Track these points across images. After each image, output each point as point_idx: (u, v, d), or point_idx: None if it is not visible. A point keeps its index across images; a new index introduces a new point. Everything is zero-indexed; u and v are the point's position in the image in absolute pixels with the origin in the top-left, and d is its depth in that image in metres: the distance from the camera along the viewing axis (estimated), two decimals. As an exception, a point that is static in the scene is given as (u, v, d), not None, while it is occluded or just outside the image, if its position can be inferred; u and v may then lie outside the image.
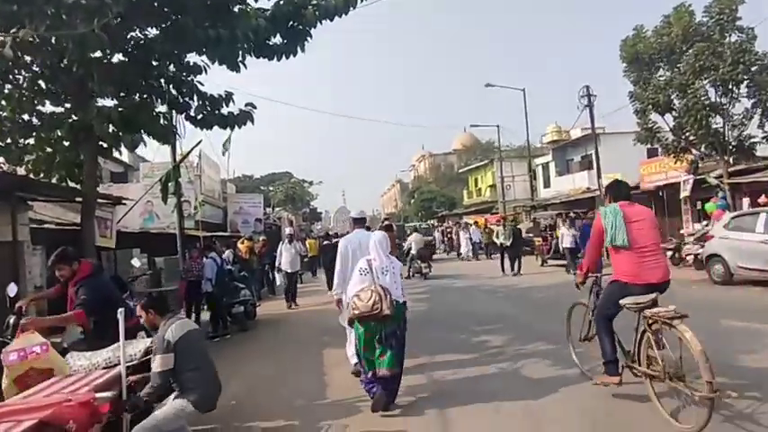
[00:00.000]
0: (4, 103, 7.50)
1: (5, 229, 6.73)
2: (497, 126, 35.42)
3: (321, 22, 8.03)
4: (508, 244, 16.56)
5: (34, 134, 7.85)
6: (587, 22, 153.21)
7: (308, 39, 8.10)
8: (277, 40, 8.04)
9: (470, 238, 24.84)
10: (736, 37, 14.33)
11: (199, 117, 8.27)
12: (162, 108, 8.36)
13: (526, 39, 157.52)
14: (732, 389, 3.99)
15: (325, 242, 16.88)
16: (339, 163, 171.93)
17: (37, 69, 7.29)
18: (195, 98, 8.16)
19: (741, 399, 4.22)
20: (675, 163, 16.84)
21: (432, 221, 39.34)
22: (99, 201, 8.67)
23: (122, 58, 7.60)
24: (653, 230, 4.38)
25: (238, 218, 22.89)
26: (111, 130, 7.25)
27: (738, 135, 15.01)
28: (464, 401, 4.82)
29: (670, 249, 16.15)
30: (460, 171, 51.53)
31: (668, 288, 4.37)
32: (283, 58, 8.13)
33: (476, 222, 27.54)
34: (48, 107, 7.77)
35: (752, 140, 15.14)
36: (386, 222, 14.67)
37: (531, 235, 22.18)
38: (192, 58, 8.13)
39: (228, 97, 8.26)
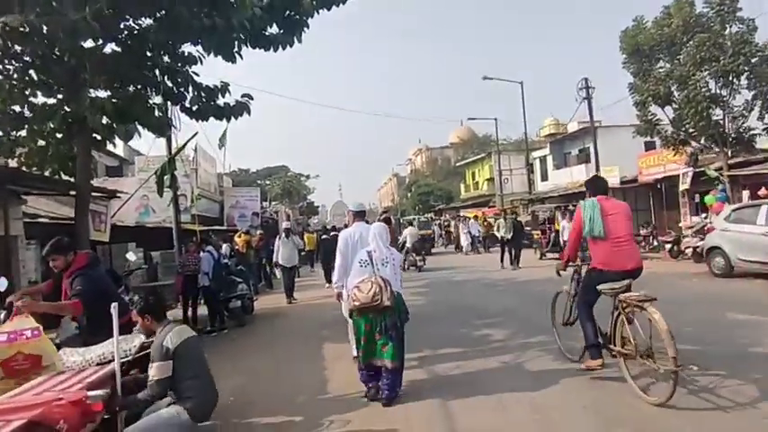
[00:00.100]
0: (-6, 94, 7.33)
1: (-3, 222, 6.60)
2: (495, 119, 35.24)
3: (318, 12, 7.91)
4: (509, 237, 16.49)
5: (26, 126, 7.68)
6: (586, 16, 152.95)
7: (305, 29, 7.97)
8: (273, 30, 7.90)
9: (470, 232, 24.73)
10: (737, 28, 14.24)
11: (194, 108, 8.13)
12: (157, 99, 8.22)
13: (523, 32, 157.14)
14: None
15: (324, 236, 16.78)
16: (335, 157, 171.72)
17: (28, 59, 7.11)
18: (190, 89, 8.02)
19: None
20: (675, 155, 16.77)
21: (429, 215, 39.25)
22: (93, 194, 8.54)
23: (116, 48, 7.44)
24: (627, 222, 4.80)
25: (235, 212, 22.78)
26: (104, 122, 7.10)
27: (738, 127, 14.95)
28: (467, 396, 4.73)
29: (669, 242, 16.13)
30: (458, 164, 51.45)
31: (642, 274, 4.82)
32: (280, 48, 7.99)
33: (475, 216, 27.43)
34: (40, 98, 7.59)
35: (752, 132, 15.08)
36: (384, 215, 14.58)
37: (529, 228, 22.12)
38: (187, 48, 8.01)
39: (224, 88, 8.12)
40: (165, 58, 7.88)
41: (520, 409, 4.37)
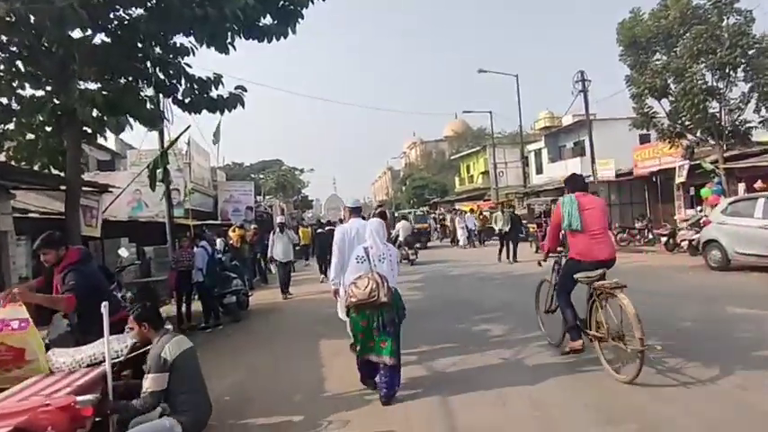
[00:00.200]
0: (-20, 86, 7.14)
1: (-15, 218, 6.43)
2: (490, 112, 35.12)
3: (313, 2, 7.75)
4: (507, 230, 16.43)
5: (14, 119, 7.49)
6: (583, 9, 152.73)
7: (300, 20, 7.81)
8: (267, 20, 7.74)
9: (466, 226, 24.63)
10: (734, 19, 14.17)
11: (187, 101, 7.96)
12: (148, 92, 8.04)
13: (520, 24, 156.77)
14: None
15: (319, 230, 16.65)
16: (330, 150, 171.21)
17: (15, 50, 6.92)
18: (183, 81, 7.84)
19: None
20: (671, 148, 16.74)
21: (424, 208, 39.17)
22: (84, 189, 8.37)
23: (105, 39, 7.25)
24: (602, 217, 5.17)
25: (229, 206, 22.61)
26: (94, 115, 6.92)
27: (734, 120, 14.91)
28: (467, 393, 4.65)
29: (665, 235, 16.10)
30: (452, 158, 51.35)
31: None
32: (274, 39, 7.82)
33: (471, 210, 27.34)
34: (28, 90, 7.40)
35: (748, 125, 15.05)
36: (380, 209, 14.45)
37: (525, 222, 22.09)
38: (179, 39, 7.82)
39: (217, 80, 7.94)
40: (157, 50, 7.69)
41: (520, 405, 4.29)
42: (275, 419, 4.47)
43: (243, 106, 8.08)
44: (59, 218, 8.21)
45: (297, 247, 14.56)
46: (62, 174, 7.77)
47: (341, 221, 8.92)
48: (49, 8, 5.49)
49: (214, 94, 8.02)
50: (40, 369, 3.70)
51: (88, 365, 3.46)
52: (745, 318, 6.85)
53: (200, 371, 3.69)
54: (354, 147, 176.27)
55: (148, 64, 7.69)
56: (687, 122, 15.38)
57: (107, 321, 3.30)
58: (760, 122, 14.71)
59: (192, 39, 7.66)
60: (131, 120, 7.54)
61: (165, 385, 3.27)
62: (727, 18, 14.27)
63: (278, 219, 14.20)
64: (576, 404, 4.22)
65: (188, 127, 10.40)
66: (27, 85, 7.36)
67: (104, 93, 6.96)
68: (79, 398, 2.67)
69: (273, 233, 12.29)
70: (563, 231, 5.35)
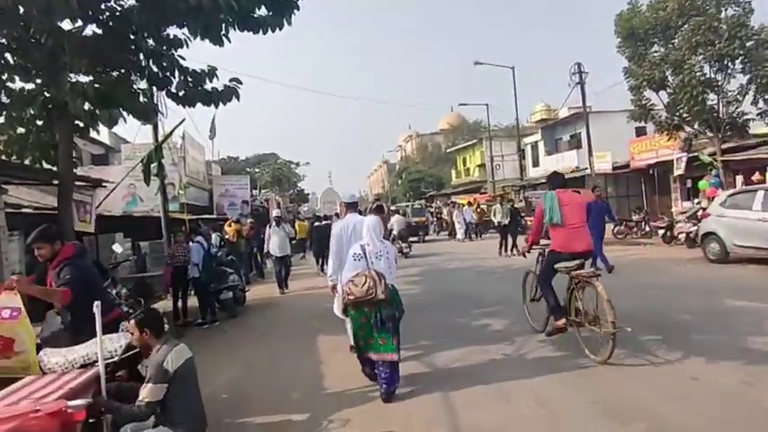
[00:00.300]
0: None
1: (-24, 213, 6.30)
2: (486, 105, 34.97)
3: (309, -8, 7.61)
4: (506, 223, 16.36)
5: (4, 113, 7.33)
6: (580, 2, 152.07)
7: (295, 11, 7.65)
8: (262, 11, 7.58)
9: (464, 219, 24.54)
10: (733, 11, 14.10)
11: (181, 93, 7.80)
12: (142, 84, 7.88)
13: (516, 16, 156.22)
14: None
15: (316, 224, 16.54)
16: (325, 144, 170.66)
17: (3, 41, 6.76)
18: (176, 73, 7.68)
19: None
20: (669, 140, 16.69)
21: (421, 202, 39.06)
22: (77, 183, 8.22)
23: (97, 30, 7.09)
24: (580, 212, 5.57)
25: (225, 200, 22.46)
26: (86, 108, 6.77)
27: (732, 112, 14.87)
28: (469, 390, 4.60)
29: (662, 228, 16.08)
30: (448, 151, 51.25)
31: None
32: (269, 31, 7.67)
33: (469, 202, 27.25)
34: (18, 83, 7.23)
35: (745, 117, 15.01)
36: (377, 203, 14.37)
37: (523, 215, 22.03)
38: (173, 30, 7.66)
39: (212, 72, 7.78)
40: (150, 41, 7.53)
41: (523, 402, 4.23)
42: (274, 418, 4.39)
43: (238, 99, 7.94)
44: (52, 213, 8.08)
45: (293, 241, 14.45)
46: (54, 168, 7.62)
47: (337, 216, 8.84)
48: (37, -2, 5.34)
49: (208, 86, 7.86)
50: (28, 362, 3.63)
51: (81, 366, 3.36)
52: (744, 311, 6.82)
53: (198, 382, 3.59)
54: (350, 140, 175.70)
55: (141, 56, 7.52)
56: (685, 114, 15.32)
57: (99, 321, 3.20)
58: (758, 114, 14.67)
59: (185, 30, 7.48)
60: (124, 113, 7.39)
61: (161, 396, 3.17)
62: (726, 9, 14.20)
63: (274, 212, 14.09)
64: (580, 401, 4.16)
65: (182, 120, 10.22)
66: (17, 78, 7.20)
67: (96, 85, 6.80)
68: (71, 402, 2.57)
69: (270, 227, 12.16)
70: (545, 225, 5.74)
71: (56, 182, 7.58)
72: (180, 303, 9.45)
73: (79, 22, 6.94)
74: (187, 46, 7.65)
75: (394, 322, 4.64)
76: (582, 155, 25.74)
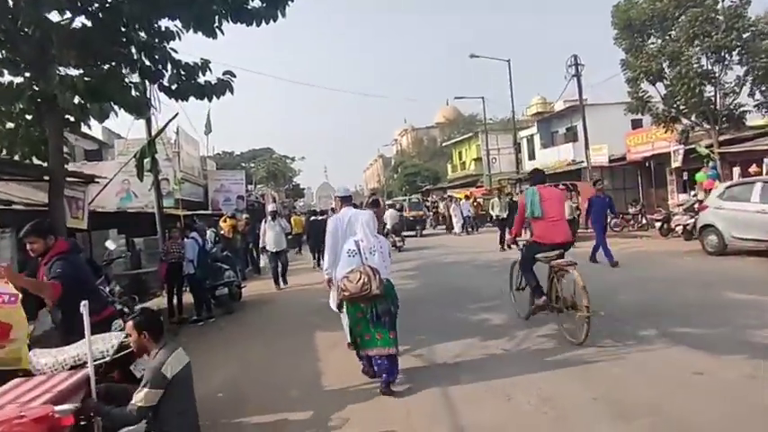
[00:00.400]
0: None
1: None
2: (482, 98, 34.80)
3: (304, -16, 7.48)
4: (504, 216, 16.29)
5: (-8, 107, 7.18)
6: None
7: (289, 2, 7.52)
8: (256, 3, 7.45)
9: (461, 213, 24.43)
10: (730, 2, 14.01)
11: (173, 87, 7.66)
12: (134, 78, 7.73)
13: (512, 9, 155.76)
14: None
15: (312, 218, 16.42)
16: (321, 138, 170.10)
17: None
18: (169, 66, 7.53)
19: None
20: (666, 132, 16.63)
21: (417, 196, 38.95)
22: (69, 179, 8.08)
23: (86, 22, 6.93)
24: (560, 206, 6.10)
25: (220, 195, 22.28)
26: (76, 102, 6.63)
27: (730, 104, 14.81)
28: (470, 387, 4.52)
29: (659, 220, 16.05)
30: (444, 144, 51.09)
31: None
32: (263, 23, 7.54)
33: (466, 196, 27.15)
34: (6, 77, 7.08)
35: (742, 109, 14.96)
36: (373, 197, 14.26)
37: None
38: (165, 23, 7.51)
39: (205, 65, 7.64)
40: (141, 34, 7.39)
41: (525, 399, 4.15)
42: (271, 417, 4.30)
43: (232, 92, 7.80)
44: (44, 209, 7.94)
45: (289, 236, 14.32)
46: (45, 164, 7.48)
47: (333, 210, 8.70)
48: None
49: (202, 80, 7.72)
50: (19, 354, 3.56)
51: (72, 367, 3.25)
52: (745, 304, 6.78)
53: (193, 386, 3.49)
54: (345, 134, 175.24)
55: (132, 49, 7.37)
56: (682, 107, 15.25)
57: (88, 321, 3.08)
58: (755, 106, 14.62)
59: (177, 22, 7.36)
60: (116, 107, 7.25)
61: (156, 401, 3.07)
62: (723, 0, 14.11)
63: (270, 207, 13.95)
64: (583, 397, 4.08)
65: (176, 115, 10.07)
66: (5, 71, 7.04)
67: (86, 78, 6.65)
68: (57, 408, 2.47)
69: (265, 222, 12.02)
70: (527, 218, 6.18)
71: (46, 178, 7.44)
72: (175, 300, 9.34)
73: (68, 14, 6.79)
74: (179, 38, 7.51)
75: (390, 317, 4.66)
76: (578, 148, 25.66)
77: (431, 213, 31.12)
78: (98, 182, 9.86)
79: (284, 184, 54.94)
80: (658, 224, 16.01)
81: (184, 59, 7.68)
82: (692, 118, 15.57)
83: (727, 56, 14.15)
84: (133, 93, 7.61)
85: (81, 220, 8.78)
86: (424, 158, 55.68)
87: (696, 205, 13.66)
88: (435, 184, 47.50)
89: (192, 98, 7.84)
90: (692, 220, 13.24)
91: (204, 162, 25.07)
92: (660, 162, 20.52)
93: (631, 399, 3.98)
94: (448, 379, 4.76)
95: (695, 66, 14.27)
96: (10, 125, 7.39)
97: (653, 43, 15.45)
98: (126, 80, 7.54)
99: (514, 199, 18.91)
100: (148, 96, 8.25)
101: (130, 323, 3.32)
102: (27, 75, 6.94)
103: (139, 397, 3.03)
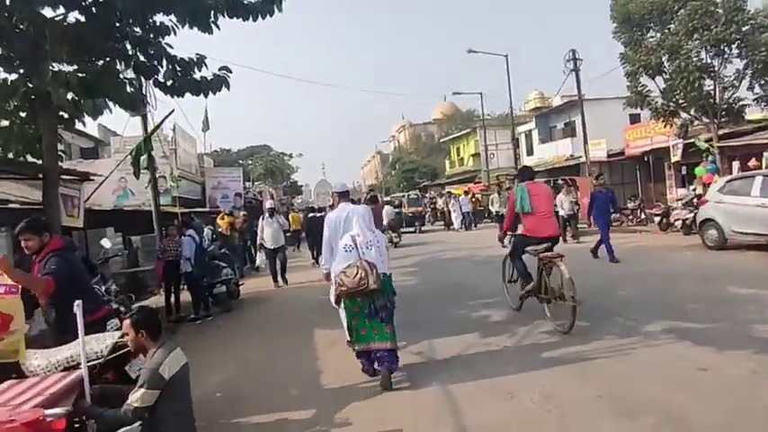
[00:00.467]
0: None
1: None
2: (480, 93, 34.66)
3: (300, -23, 7.37)
4: (504, 212, 16.22)
5: (-14, 105, 7.07)
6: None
7: (285, -4, 7.41)
8: (252, -3, 7.34)
9: (461, 209, 24.35)
10: (730, -6, 13.91)
11: (169, 83, 7.56)
12: (128, 73, 7.63)
13: (510, 6, 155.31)
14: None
15: (311, 215, 16.33)
16: (318, 135, 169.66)
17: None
18: (164, 62, 7.43)
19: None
20: (665, 127, 16.56)
21: (417, 192, 38.88)
22: (64, 177, 7.99)
23: (79, 17, 6.83)
24: (548, 201, 6.40)
25: (217, 193, 22.19)
26: (70, 98, 6.53)
27: (729, 98, 14.75)
28: (473, 385, 4.45)
29: (658, 215, 16.01)
30: (442, 140, 50.98)
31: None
32: (259, 18, 7.44)
33: (465, 192, 27.08)
34: (0, 74, 6.98)
35: (741, 103, 14.90)
36: (371, 194, 14.21)
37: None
38: (160, 18, 7.40)
39: (200, 61, 7.53)
40: (136, 29, 7.28)
41: (528, 397, 4.08)
42: (270, 417, 4.24)
43: (228, 88, 7.70)
44: (40, 208, 7.86)
45: (287, 233, 14.22)
46: (39, 162, 7.38)
47: (331, 207, 8.63)
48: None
49: (197, 75, 7.63)
50: (17, 345, 3.53)
51: (65, 369, 3.17)
52: (747, 298, 6.74)
53: (190, 386, 3.42)
54: (343, 131, 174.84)
55: (127, 44, 7.27)
56: (681, 101, 15.18)
57: (81, 321, 3.01)
58: (754, 100, 14.56)
59: (172, 17, 7.25)
60: (110, 103, 7.15)
61: (153, 402, 3.00)
62: (723, -8, 14.01)
63: (267, 203, 13.85)
64: (586, 394, 4.02)
65: (171, 111, 9.97)
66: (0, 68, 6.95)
67: (80, 75, 6.55)
68: (48, 411, 2.40)
69: (263, 219, 11.92)
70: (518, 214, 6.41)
71: (41, 176, 7.35)
72: (172, 299, 9.26)
73: (61, 9, 6.69)
74: (175, 33, 7.41)
75: (387, 311, 4.68)
76: (576, 143, 25.62)
77: (429, 210, 31.06)
78: (93, 179, 9.77)
79: (282, 181, 54.75)
80: (657, 219, 15.97)
81: (180, 55, 7.60)
82: (692, 112, 15.49)
83: (726, 49, 14.07)
84: (128, 89, 7.50)
85: (77, 219, 8.69)
86: (422, 155, 55.56)
87: (695, 200, 13.63)
88: (433, 180, 47.41)
89: (187, 94, 7.74)
90: (692, 214, 13.20)
91: (201, 159, 24.98)
92: (659, 157, 20.46)
93: (635, 396, 3.92)
94: (449, 376, 4.70)
95: (694, 59, 14.19)
96: (4, 122, 7.29)
97: (652, 37, 15.36)
98: (120, 76, 7.42)
99: (513, 194, 18.88)
100: (144, 93, 8.16)
101: (128, 321, 3.24)
102: (21, 71, 6.84)
103: (136, 397, 2.96)
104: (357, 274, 4.53)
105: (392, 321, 4.76)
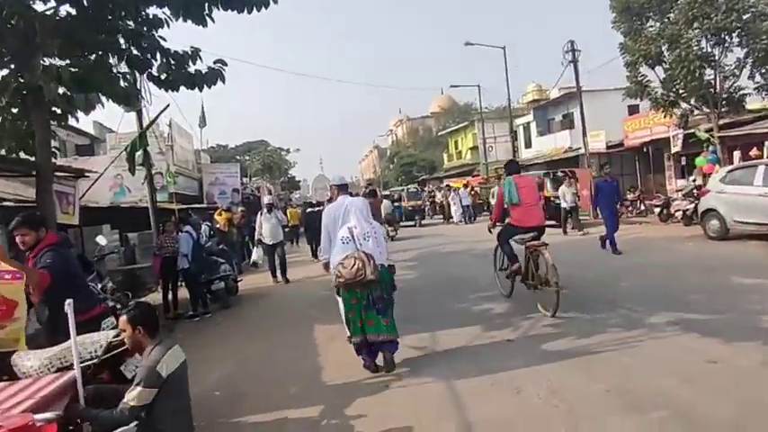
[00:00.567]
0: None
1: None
2: (478, 86, 34.48)
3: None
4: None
5: (-24, 101, 6.94)
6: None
7: (281, -12, 7.27)
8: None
9: (460, 202, 24.23)
10: (730, -18, 13.74)
11: (163, 77, 7.42)
12: (122, 67, 7.50)
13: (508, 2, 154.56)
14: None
15: (309, 210, 16.22)
16: (316, 130, 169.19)
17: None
18: (158, 55, 7.29)
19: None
20: (665, 117, 16.44)
21: (416, 186, 38.75)
22: (58, 174, 7.87)
23: (71, 11, 6.69)
24: (534, 193, 6.79)
25: (215, 189, 22.07)
26: (61, 92, 6.40)
27: (729, 87, 14.63)
28: (477, 380, 4.37)
29: (658, 206, 15.94)
30: (440, 134, 50.82)
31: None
32: (254, 9, 7.30)
33: (464, 185, 26.97)
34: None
35: (742, 92, 14.78)
36: (370, 188, 14.09)
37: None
38: (153, 10, 7.26)
39: (195, 54, 7.38)
40: (129, 22, 7.14)
41: (534, 392, 3.99)
42: (270, 416, 4.14)
43: (223, 82, 7.56)
44: (34, 205, 7.74)
45: (286, 229, 14.10)
46: (32, 158, 7.26)
47: (330, 201, 8.53)
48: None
49: (192, 69, 7.50)
50: (19, 334, 3.51)
51: (58, 369, 3.07)
52: (751, 288, 6.67)
53: (188, 384, 3.33)
54: (340, 125, 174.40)
55: (120, 38, 7.13)
56: (681, 90, 15.05)
57: (73, 321, 2.90)
58: (755, 89, 14.43)
59: (166, 10, 7.11)
60: (103, 98, 7.03)
61: (150, 400, 2.91)
62: (722, -19, 13.84)
63: (265, 199, 13.73)
64: (594, 388, 3.93)
65: (167, 106, 9.82)
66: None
67: (72, 69, 6.43)
68: (38, 416, 2.30)
69: (260, 214, 11.81)
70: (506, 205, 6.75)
71: (34, 173, 7.23)
72: (170, 295, 9.17)
73: (52, 2, 6.55)
74: (168, 26, 7.26)
75: (384, 303, 4.71)
76: (575, 135, 25.49)
77: (428, 203, 30.96)
78: (88, 176, 9.65)
79: (280, 176, 54.58)
80: (657, 210, 15.90)
81: (174, 48, 7.46)
82: (692, 102, 15.36)
83: (726, 38, 13.91)
84: (122, 83, 7.38)
85: (72, 216, 8.59)
86: (420, 148, 55.39)
87: (695, 190, 13.55)
88: (431, 173, 47.29)
89: (182, 88, 7.61)
90: (692, 205, 13.13)
91: (198, 155, 24.83)
92: (658, 147, 20.36)
93: (644, 389, 3.84)
94: (452, 371, 4.62)
95: (695, 48, 14.04)
96: (-5, 119, 7.17)
97: (652, 26, 15.20)
98: (114, 70, 7.30)
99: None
100: (138, 87, 8.03)
101: (124, 318, 3.14)
102: (12, 67, 6.71)
103: (132, 396, 2.87)
104: (354, 264, 4.57)
105: (389, 314, 4.77)
